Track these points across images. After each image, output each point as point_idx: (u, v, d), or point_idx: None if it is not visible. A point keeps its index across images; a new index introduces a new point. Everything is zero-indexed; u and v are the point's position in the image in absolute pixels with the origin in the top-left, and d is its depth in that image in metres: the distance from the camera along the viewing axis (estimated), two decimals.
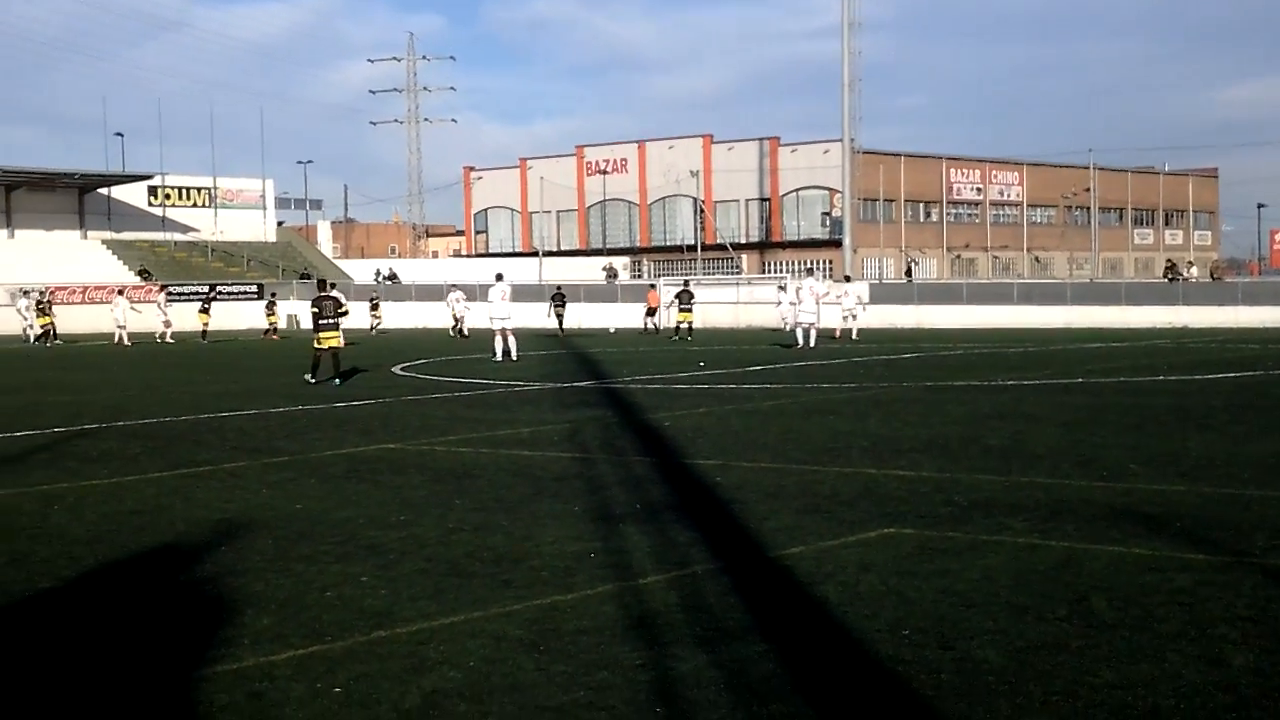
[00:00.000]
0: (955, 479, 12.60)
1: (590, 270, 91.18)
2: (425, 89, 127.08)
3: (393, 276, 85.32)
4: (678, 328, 50.85)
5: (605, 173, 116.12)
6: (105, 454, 16.06)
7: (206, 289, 66.71)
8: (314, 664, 6.90)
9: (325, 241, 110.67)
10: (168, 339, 55.01)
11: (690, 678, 6.56)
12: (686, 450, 15.22)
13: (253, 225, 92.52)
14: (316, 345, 27.81)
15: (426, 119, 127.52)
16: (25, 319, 56.63)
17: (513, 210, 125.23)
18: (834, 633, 7.37)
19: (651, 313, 57.41)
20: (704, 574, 8.81)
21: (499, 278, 35.99)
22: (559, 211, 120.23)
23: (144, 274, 77.12)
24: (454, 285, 61.25)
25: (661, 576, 8.72)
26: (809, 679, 6.54)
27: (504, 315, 34.41)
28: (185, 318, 61.16)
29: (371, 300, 63.36)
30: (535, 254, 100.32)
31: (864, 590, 8.22)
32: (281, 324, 60.74)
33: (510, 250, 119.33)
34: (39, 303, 57.02)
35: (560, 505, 11.60)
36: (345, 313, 28.65)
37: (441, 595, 8.35)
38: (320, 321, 27.95)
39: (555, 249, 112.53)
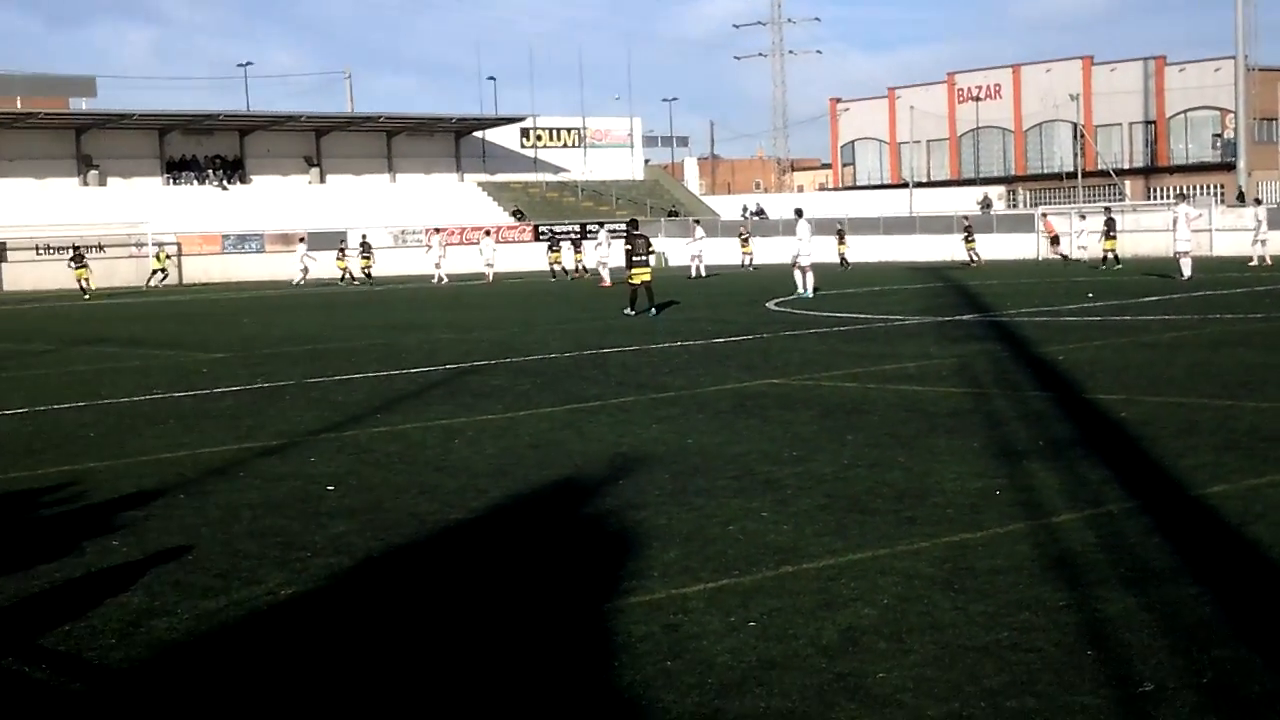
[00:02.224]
0: None
1: (962, 201, 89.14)
2: (789, 21, 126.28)
3: (760, 212, 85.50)
4: (1105, 257, 49.50)
5: (978, 99, 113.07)
6: (497, 389, 16.53)
7: (553, 230, 68.12)
8: (725, 598, 6.85)
9: (691, 178, 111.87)
10: (443, 280, 56.67)
11: (1120, 620, 6.20)
12: (1085, 384, 14.58)
13: (620, 164, 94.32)
14: (629, 281, 30.39)
15: (791, 51, 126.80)
16: (303, 265, 59.38)
17: (880, 141, 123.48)
18: (1273, 577, 6.86)
19: (1055, 241, 55.60)
20: (1120, 513, 8.36)
21: (799, 213, 36.73)
22: (929, 141, 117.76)
23: (517, 214, 79.65)
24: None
25: (1075, 515, 8.33)
26: (1252, 624, 6.09)
27: (807, 252, 35.36)
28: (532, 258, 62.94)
29: (740, 235, 63.65)
30: (904, 185, 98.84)
31: None
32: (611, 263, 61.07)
33: (878, 182, 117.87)
34: (362, 245, 59.97)
35: (958, 441, 11.26)
36: (654, 251, 31.70)
37: (845, 531, 8.18)
38: (634, 258, 30.58)
39: (925, 180, 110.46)
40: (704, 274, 53.32)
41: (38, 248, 61.22)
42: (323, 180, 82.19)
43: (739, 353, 20.21)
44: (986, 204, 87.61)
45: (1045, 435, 11.37)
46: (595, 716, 5.38)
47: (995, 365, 17.00)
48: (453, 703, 5.60)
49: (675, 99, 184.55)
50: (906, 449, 10.98)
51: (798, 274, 35.32)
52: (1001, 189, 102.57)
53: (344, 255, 60.27)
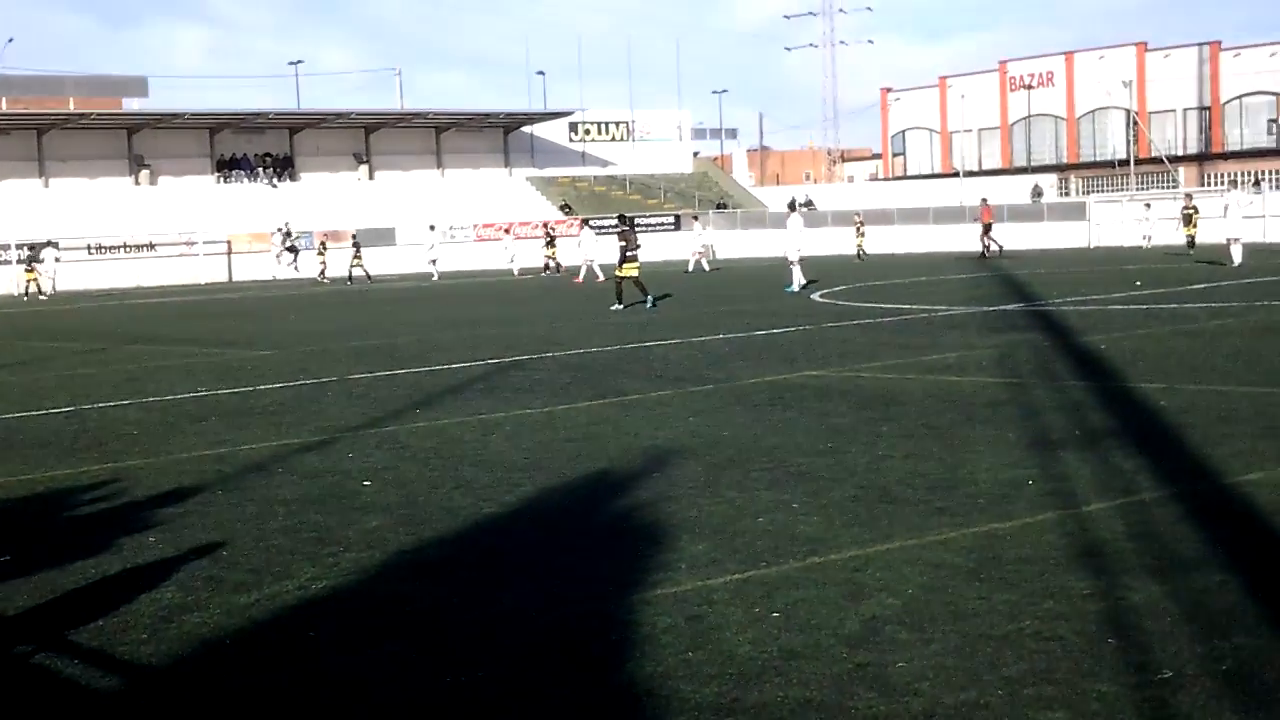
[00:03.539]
0: None
1: (1013, 190, 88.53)
2: (841, 11, 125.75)
3: (809, 203, 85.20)
4: (1191, 243, 48.17)
5: (1030, 87, 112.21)
6: (537, 384, 16.57)
7: (548, 225, 67.09)
8: (751, 589, 6.87)
9: (741, 170, 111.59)
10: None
11: (1143, 608, 6.19)
12: (1126, 373, 14.50)
13: (669, 157, 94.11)
14: (619, 275, 31.11)
15: (843, 42, 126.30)
16: (282, 259, 60.24)
17: (931, 131, 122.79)
18: None
19: (987, 229, 53.36)
20: (1152, 501, 8.33)
21: (791, 207, 37.23)
22: (980, 130, 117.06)
23: (565, 209, 79.66)
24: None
25: (1106, 504, 8.30)
26: (1277, 612, 6.05)
27: (798, 246, 35.61)
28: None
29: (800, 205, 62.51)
30: (955, 175, 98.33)
31: None
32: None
33: (929, 172, 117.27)
34: (354, 243, 59.50)
35: (993, 431, 11.23)
36: (639, 246, 31.70)
37: (875, 522, 8.19)
38: (627, 253, 30.97)
39: (976, 169, 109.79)
40: (706, 268, 52.70)
41: (89, 248, 61.87)
42: (372, 177, 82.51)
43: (780, 344, 20.19)
44: (1038, 193, 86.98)
45: (1082, 425, 11.32)
46: (612, 708, 5.41)
47: (1036, 355, 16.92)
48: (473, 694, 5.64)
49: (725, 91, 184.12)
50: (941, 440, 10.96)
51: (795, 269, 35.20)
52: (1054, 177, 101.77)
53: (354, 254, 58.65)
